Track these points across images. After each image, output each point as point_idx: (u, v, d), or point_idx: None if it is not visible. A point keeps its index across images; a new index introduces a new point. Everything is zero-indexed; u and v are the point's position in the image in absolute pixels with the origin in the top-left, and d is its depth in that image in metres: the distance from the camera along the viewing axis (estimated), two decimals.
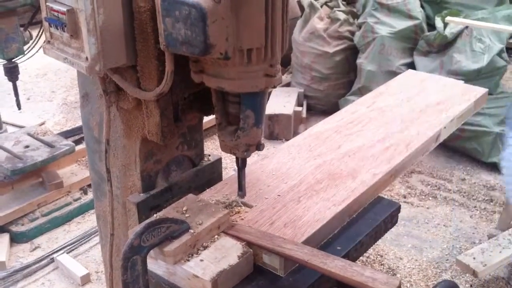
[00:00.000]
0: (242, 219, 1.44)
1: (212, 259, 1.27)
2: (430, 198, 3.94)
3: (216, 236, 1.35)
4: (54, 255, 3.25)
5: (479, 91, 2.24)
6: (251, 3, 1.18)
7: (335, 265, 1.19)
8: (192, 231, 1.30)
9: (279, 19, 1.24)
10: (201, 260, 1.27)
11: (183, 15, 1.15)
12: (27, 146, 3.55)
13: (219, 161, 1.73)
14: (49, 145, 3.56)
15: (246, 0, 1.17)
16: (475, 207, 3.83)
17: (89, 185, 3.74)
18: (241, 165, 1.47)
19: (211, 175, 1.70)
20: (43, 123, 4.72)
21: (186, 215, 1.36)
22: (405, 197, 3.92)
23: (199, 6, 1.13)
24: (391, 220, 1.59)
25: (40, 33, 3.43)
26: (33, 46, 3.53)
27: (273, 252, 1.28)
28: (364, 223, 1.51)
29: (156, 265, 1.29)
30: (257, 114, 1.35)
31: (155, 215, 1.37)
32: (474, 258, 3.03)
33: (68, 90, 5.69)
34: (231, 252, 1.29)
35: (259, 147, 1.42)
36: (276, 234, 1.35)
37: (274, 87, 1.33)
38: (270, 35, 1.23)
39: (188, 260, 1.27)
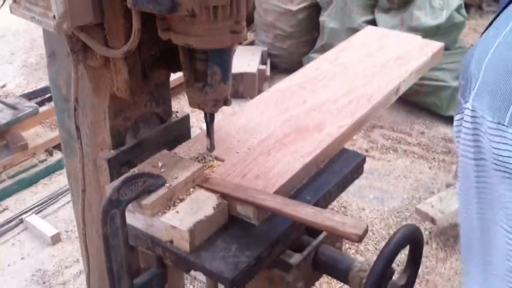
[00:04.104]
0: (214, 172, 1.49)
1: (189, 211, 1.32)
2: (391, 152, 4.07)
3: (191, 189, 1.39)
4: (23, 216, 3.26)
5: (435, 45, 2.31)
6: None
7: (306, 212, 1.25)
8: (168, 184, 1.34)
9: None
10: (177, 212, 1.31)
11: None
12: None
13: (187, 117, 1.76)
14: (12, 107, 3.52)
15: None
16: (433, 158, 3.99)
17: (54, 147, 3.73)
18: (209, 120, 1.52)
19: (180, 131, 1.73)
20: (4, 86, 4.63)
21: (162, 170, 1.40)
22: (367, 151, 4.04)
23: None
24: (357, 170, 1.66)
25: None
26: None
27: (246, 203, 1.33)
28: (332, 173, 1.58)
29: (134, 218, 1.33)
30: (224, 70, 1.40)
31: (131, 170, 1.41)
32: (432, 206, 3.18)
33: (28, 51, 5.56)
34: (206, 203, 1.34)
35: (226, 102, 1.47)
36: (248, 185, 1.41)
37: (240, 43, 1.37)
38: None
39: (165, 213, 1.31)
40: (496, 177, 1.09)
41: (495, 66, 1.04)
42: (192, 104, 1.47)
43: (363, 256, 3.11)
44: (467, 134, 1.15)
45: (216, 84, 1.40)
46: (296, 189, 1.51)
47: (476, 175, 1.17)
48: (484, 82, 1.06)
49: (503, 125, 1.00)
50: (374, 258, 1.28)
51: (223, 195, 1.37)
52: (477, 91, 1.09)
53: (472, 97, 1.11)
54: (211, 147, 1.55)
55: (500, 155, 1.05)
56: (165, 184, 1.34)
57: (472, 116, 1.12)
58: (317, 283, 2.76)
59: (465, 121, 1.16)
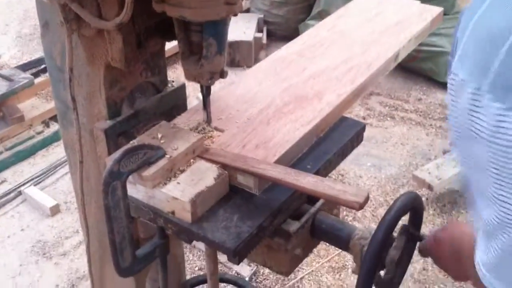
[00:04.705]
0: (214, 143, 1.48)
1: (189, 182, 1.31)
2: (388, 119, 4.07)
3: (191, 160, 1.39)
4: (22, 188, 3.26)
5: (435, 10, 2.28)
6: None
7: (307, 181, 1.25)
8: (168, 156, 1.33)
9: None
10: (178, 183, 1.31)
11: None
12: None
13: (183, 87, 1.74)
14: (7, 78, 3.49)
15: None
16: (431, 125, 3.99)
17: (51, 118, 3.71)
18: (206, 93, 1.51)
19: (176, 101, 1.72)
20: None
21: (162, 141, 1.39)
22: (364, 118, 4.04)
23: None
24: (357, 138, 1.66)
25: None
26: None
27: (247, 172, 1.33)
28: (332, 142, 1.57)
29: (135, 189, 1.33)
30: (219, 42, 1.38)
31: (131, 142, 1.40)
32: (429, 173, 3.19)
33: (22, 22, 5.49)
34: (207, 174, 1.34)
35: (222, 74, 1.45)
36: (249, 155, 1.40)
37: (235, 14, 1.35)
38: None
39: (166, 184, 1.31)
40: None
41: (476, 33, 1.07)
42: (188, 76, 1.45)
43: (361, 223, 3.13)
44: (451, 96, 1.16)
45: (212, 56, 1.38)
46: (296, 158, 1.50)
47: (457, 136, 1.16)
48: (466, 49, 1.09)
49: (480, 90, 1.02)
50: (372, 224, 1.28)
51: (224, 166, 1.37)
52: (459, 57, 1.11)
53: (455, 61, 1.13)
54: (208, 120, 1.54)
55: (473, 122, 1.06)
56: (165, 155, 1.33)
57: (455, 79, 1.14)
58: (315, 250, 2.79)
59: (450, 84, 1.17)
